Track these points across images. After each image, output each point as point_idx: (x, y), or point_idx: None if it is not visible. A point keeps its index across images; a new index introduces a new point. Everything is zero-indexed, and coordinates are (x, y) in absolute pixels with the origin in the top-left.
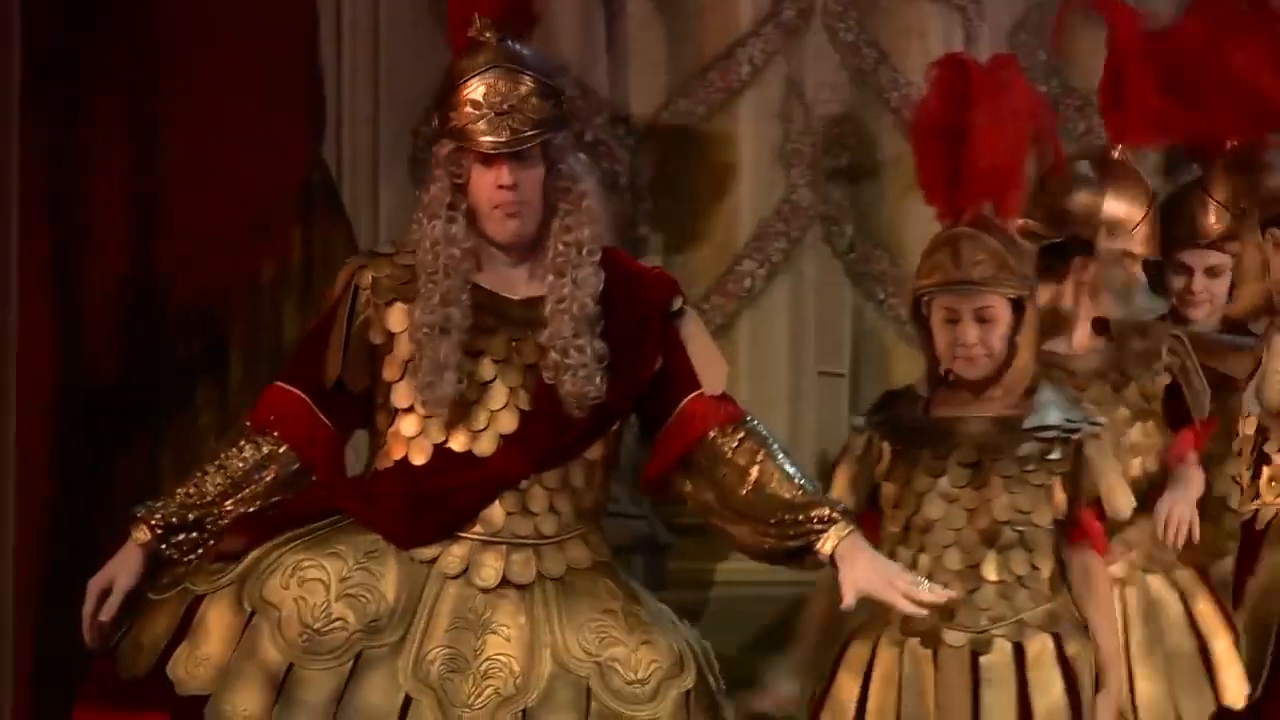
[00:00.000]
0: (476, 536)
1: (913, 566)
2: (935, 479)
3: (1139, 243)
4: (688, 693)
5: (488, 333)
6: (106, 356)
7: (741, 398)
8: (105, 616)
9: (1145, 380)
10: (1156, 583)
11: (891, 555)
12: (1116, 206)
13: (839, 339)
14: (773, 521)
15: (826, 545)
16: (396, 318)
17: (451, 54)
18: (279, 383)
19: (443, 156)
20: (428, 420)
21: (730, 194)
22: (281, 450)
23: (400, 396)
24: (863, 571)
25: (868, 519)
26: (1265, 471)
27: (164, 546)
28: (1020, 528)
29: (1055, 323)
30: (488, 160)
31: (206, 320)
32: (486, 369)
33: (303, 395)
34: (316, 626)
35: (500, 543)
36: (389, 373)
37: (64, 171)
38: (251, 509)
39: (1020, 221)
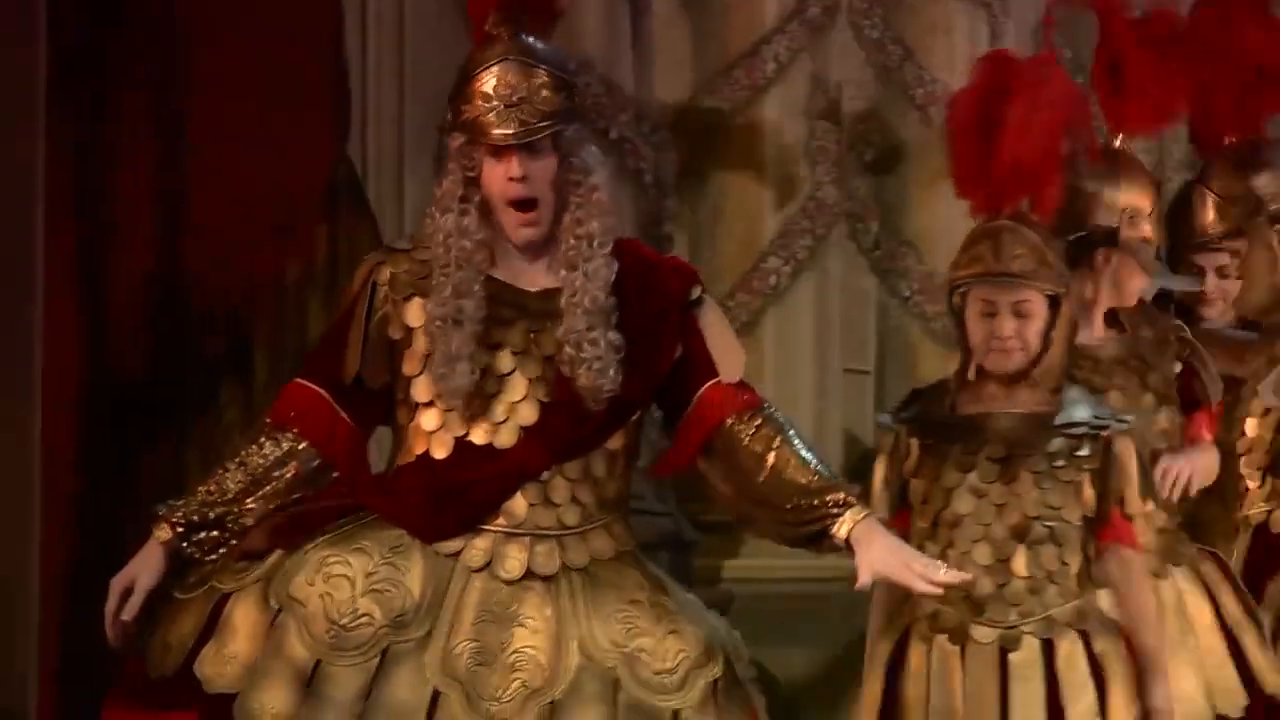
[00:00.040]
0: (499, 529)
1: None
2: (964, 474)
3: (1152, 229)
4: (715, 681)
5: (505, 325)
6: (132, 354)
7: (766, 395)
8: (128, 615)
9: (1164, 366)
10: (1181, 577)
11: (920, 550)
12: (1131, 195)
13: (864, 336)
14: (789, 507)
15: (842, 529)
16: (415, 313)
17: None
18: (298, 379)
19: (455, 149)
20: (448, 414)
21: (755, 191)
22: (301, 447)
23: (420, 391)
24: (879, 553)
25: (899, 516)
26: None
27: (185, 545)
28: (1050, 523)
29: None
30: (498, 153)
31: (232, 318)
32: (505, 361)
33: (322, 391)
34: (343, 623)
35: (523, 534)
36: (408, 367)
37: (89, 168)
38: (273, 506)
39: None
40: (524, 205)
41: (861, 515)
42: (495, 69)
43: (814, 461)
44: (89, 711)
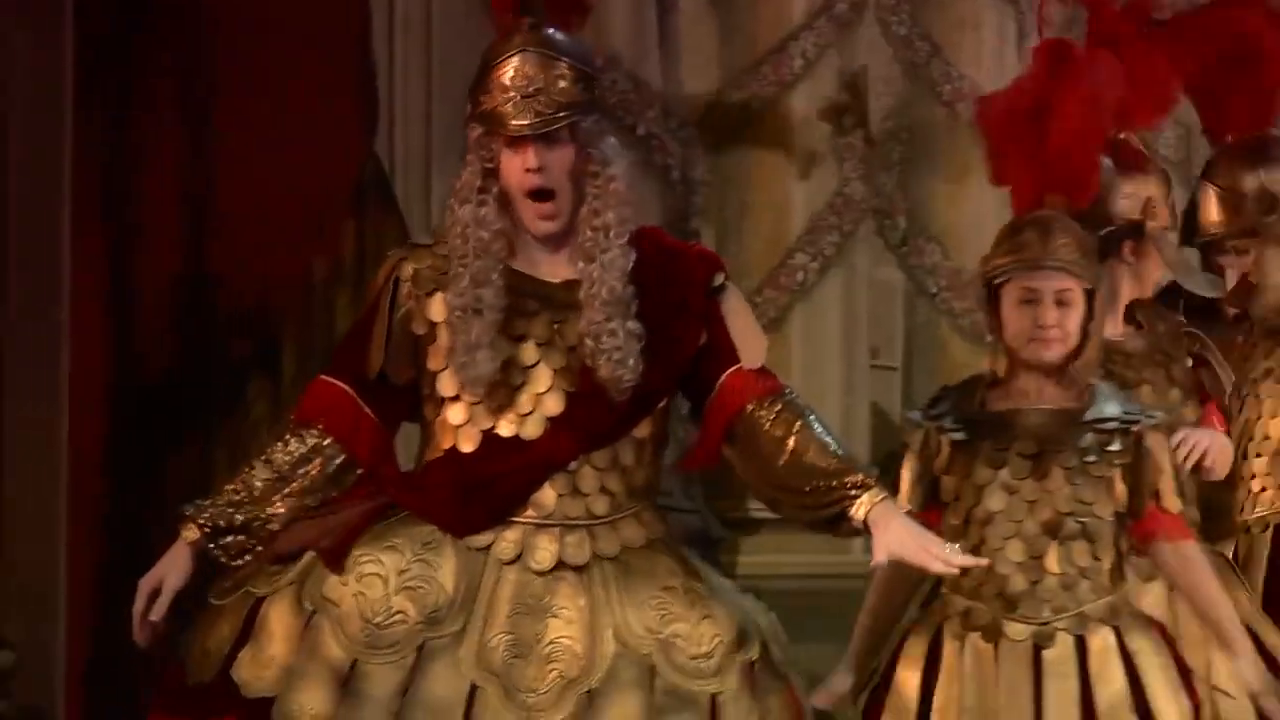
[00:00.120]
0: (529, 520)
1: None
2: (996, 471)
3: (1166, 220)
4: (752, 664)
5: (529, 316)
6: (159, 354)
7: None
8: (155, 616)
9: (1182, 360)
10: None
11: None
12: (1149, 185)
13: (891, 332)
14: (807, 490)
15: (860, 511)
16: (438, 308)
17: None
18: (323, 376)
19: (473, 140)
20: (474, 407)
21: (782, 187)
22: (326, 443)
23: (446, 385)
24: (896, 535)
25: (930, 513)
26: None
27: (212, 547)
28: (1083, 519)
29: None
30: (515, 143)
31: (259, 317)
32: (529, 353)
33: (346, 387)
34: (377, 621)
35: (553, 525)
36: (433, 362)
37: (116, 171)
38: (300, 505)
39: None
40: (541, 196)
41: (879, 498)
42: (514, 60)
43: (834, 445)
44: (117, 712)
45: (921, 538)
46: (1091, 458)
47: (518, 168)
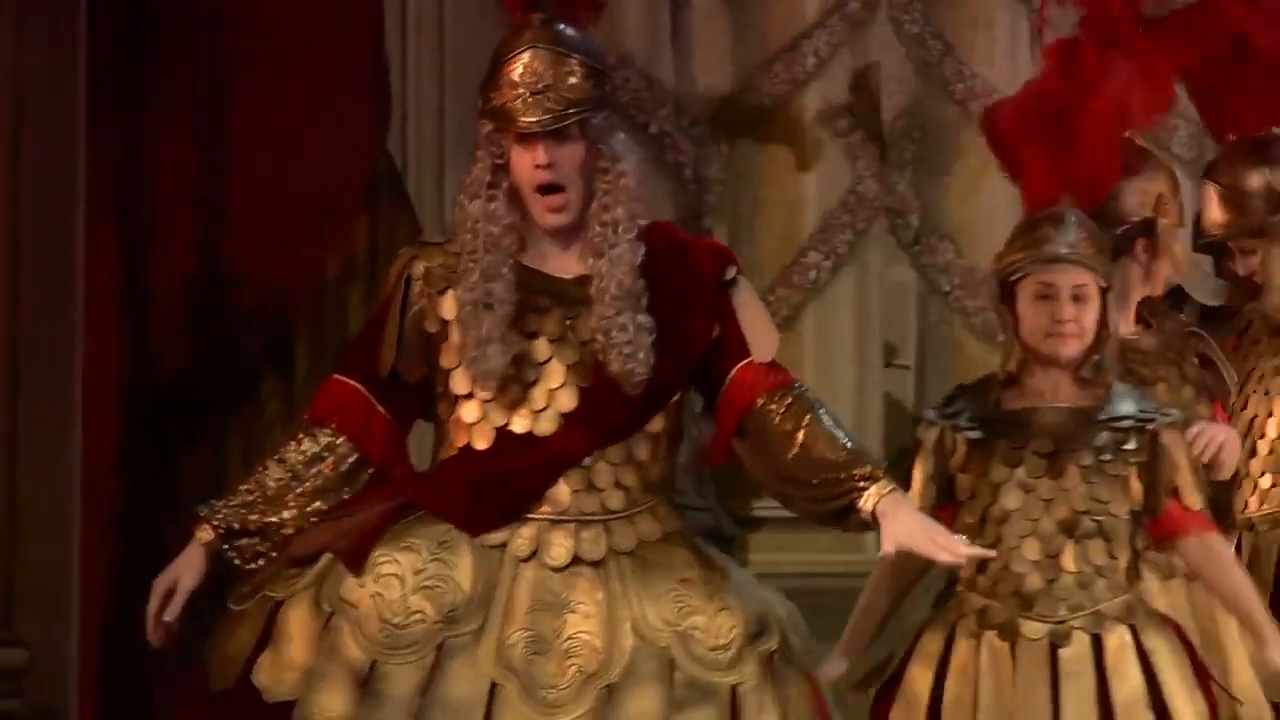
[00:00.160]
0: (544, 516)
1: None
2: (1012, 469)
3: (1175, 217)
4: (772, 654)
5: (541, 313)
6: (173, 354)
7: None
8: (170, 616)
9: (1190, 358)
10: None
11: None
12: (1158, 182)
13: (904, 331)
14: (816, 483)
15: (868, 503)
16: (450, 305)
17: None
18: (335, 375)
19: (484, 136)
20: (488, 405)
21: (795, 186)
22: (339, 441)
23: (459, 383)
24: (904, 525)
25: (945, 511)
26: None
27: (226, 548)
28: (1099, 517)
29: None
30: (525, 139)
31: (272, 316)
32: (542, 349)
33: (358, 386)
34: (395, 621)
35: (568, 521)
36: (446, 360)
37: (129, 170)
38: (313, 505)
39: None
40: (550, 191)
41: (887, 489)
42: (523, 56)
43: (843, 438)
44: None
45: (930, 529)
46: (1107, 456)
47: (527, 164)
